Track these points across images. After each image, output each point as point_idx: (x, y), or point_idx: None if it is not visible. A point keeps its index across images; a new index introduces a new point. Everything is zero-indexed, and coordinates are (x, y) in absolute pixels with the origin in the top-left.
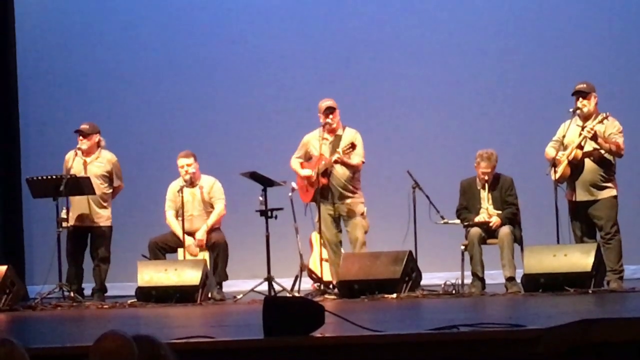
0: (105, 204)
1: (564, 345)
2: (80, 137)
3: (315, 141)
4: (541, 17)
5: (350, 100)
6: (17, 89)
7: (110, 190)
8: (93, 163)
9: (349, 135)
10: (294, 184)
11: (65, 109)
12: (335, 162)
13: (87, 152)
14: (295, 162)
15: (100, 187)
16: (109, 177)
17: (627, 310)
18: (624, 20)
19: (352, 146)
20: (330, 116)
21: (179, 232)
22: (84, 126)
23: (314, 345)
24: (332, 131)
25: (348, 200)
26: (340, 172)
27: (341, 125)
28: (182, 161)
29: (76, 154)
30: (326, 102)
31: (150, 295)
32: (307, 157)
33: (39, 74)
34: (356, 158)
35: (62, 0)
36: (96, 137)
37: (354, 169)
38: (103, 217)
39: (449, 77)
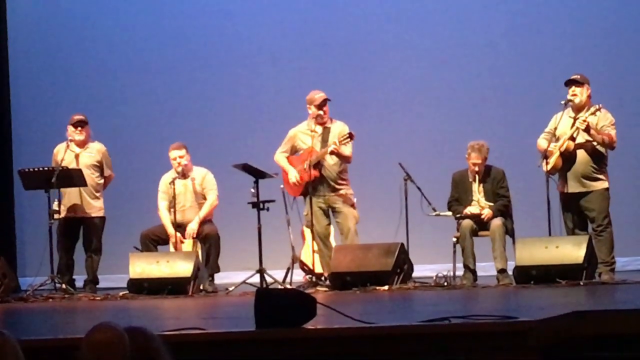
0: (97, 195)
1: (556, 337)
2: (79, 129)
3: (302, 135)
4: (532, 9)
5: (341, 93)
6: (8, 80)
7: (102, 181)
8: (83, 154)
9: (339, 127)
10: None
11: (58, 101)
12: (332, 152)
13: (80, 144)
14: (281, 157)
15: (91, 177)
16: (99, 167)
17: (618, 302)
18: (617, 12)
19: (350, 136)
20: (324, 108)
21: (169, 225)
22: (81, 117)
23: (305, 337)
24: (321, 123)
25: (341, 191)
26: (331, 163)
27: (329, 118)
28: (174, 153)
29: (68, 146)
30: (319, 94)
31: (142, 287)
32: (293, 151)
33: (31, 66)
34: (348, 149)
35: None
36: (89, 128)
37: (346, 160)
38: (95, 207)
39: (440, 69)
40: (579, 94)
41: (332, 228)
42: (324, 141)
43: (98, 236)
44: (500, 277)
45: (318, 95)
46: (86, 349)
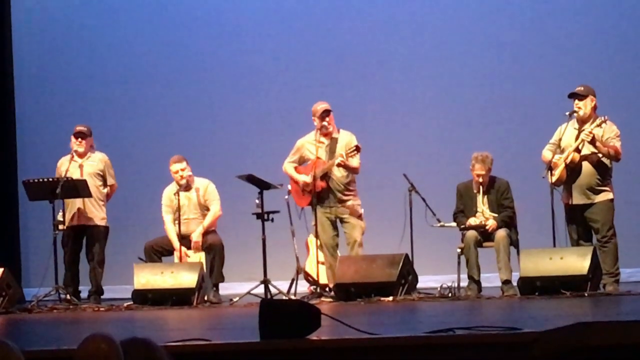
0: (100, 204)
1: (560, 349)
2: (79, 139)
3: (310, 145)
4: (538, 20)
5: (346, 103)
6: (13, 91)
7: (106, 190)
8: (85, 163)
9: (346, 138)
10: (290, 187)
11: (62, 111)
12: (339, 165)
13: (82, 154)
14: (289, 167)
15: (94, 185)
16: (102, 176)
17: (623, 313)
18: (623, 22)
19: (357, 149)
20: (327, 119)
21: (175, 241)
22: (82, 128)
23: (310, 348)
24: (327, 134)
25: (348, 202)
26: (338, 175)
27: (336, 128)
28: (175, 166)
29: (72, 157)
30: (322, 105)
31: (147, 298)
32: (301, 161)
33: (36, 76)
34: (355, 161)
35: (59, 2)
36: (91, 140)
37: (354, 172)
38: (98, 216)
39: (445, 80)
40: (582, 106)
41: (338, 239)
42: (332, 152)
43: (101, 246)
44: (505, 288)
45: (320, 107)
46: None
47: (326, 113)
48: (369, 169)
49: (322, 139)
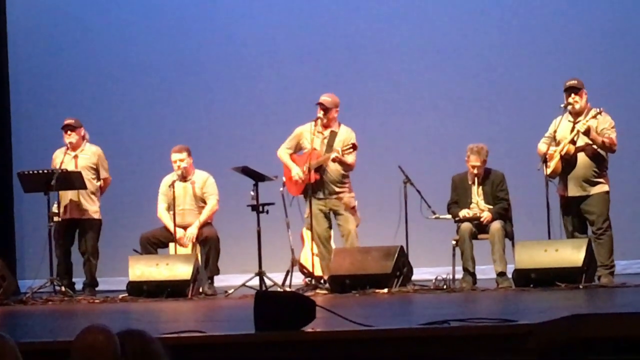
0: (93, 197)
1: (555, 340)
2: (68, 132)
3: (308, 134)
4: (532, 13)
5: (341, 95)
6: (8, 83)
7: (99, 183)
8: (79, 156)
9: (345, 133)
10: (284, 178)
11: (57, 104)
12: (334, 160)
13: (74, 146)
14: (284, 153)
15: (87, 179)
16: (95, 169)
17: (618, 305)
18: (616, 16)
19: (354, 147)
20: (322, 111)
21: (169, 225)
22: (70, 120)
23: (305, 340)
24: (326, 126)
25: (342, 195)
26: (333, 168)
27: (337, 122)
28: (174, 156)
29: (67, 149)
30: (322, 97)
31: (142, 289)
32: (297, 149)
33: (31, 69)
34: (351, 158)
35: None
36: (82, 131)
37: (349, 168)
38: (91, 209)
39: (440, 72)
40: (578, 99)
41: (332, 231)
42: (329, 145)
43: (94, 238)
44: (500, 280)
45: (320, 98)
46: (76, 352)
47: (321, 105)
48: (365, 161)
49: (320, 129)
